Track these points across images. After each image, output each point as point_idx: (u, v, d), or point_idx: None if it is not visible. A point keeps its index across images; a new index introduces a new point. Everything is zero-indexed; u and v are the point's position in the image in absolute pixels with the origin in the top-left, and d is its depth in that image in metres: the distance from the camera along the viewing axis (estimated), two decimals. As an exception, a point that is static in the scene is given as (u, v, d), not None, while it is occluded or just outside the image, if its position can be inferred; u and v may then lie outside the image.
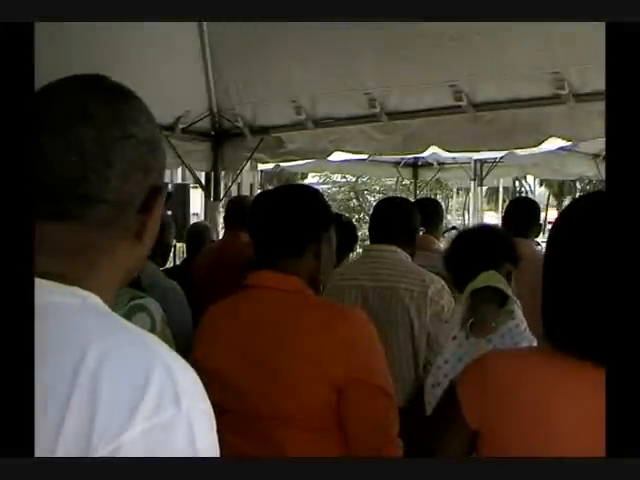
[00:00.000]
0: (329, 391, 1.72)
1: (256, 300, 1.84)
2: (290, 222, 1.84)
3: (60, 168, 0.82)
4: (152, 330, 2.22)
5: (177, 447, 0.73)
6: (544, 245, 1.47)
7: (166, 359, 0.77)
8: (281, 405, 1.74)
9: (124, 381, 0.73)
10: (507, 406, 1.30)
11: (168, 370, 0.76)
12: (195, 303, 3.39)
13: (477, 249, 2.44)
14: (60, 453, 0.70)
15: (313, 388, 1.73)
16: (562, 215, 1.43)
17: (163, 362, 0.76)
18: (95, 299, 0.83)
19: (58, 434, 0.70)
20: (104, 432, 0.71)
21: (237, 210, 4.19)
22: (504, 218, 3.91)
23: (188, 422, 0.74)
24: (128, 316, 2.16)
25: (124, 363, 0.74)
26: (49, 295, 0.79)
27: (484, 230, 2.69)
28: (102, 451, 0.70)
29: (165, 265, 3.72)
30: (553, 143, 4.47)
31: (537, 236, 3.98)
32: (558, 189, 36.36)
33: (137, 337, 0.80)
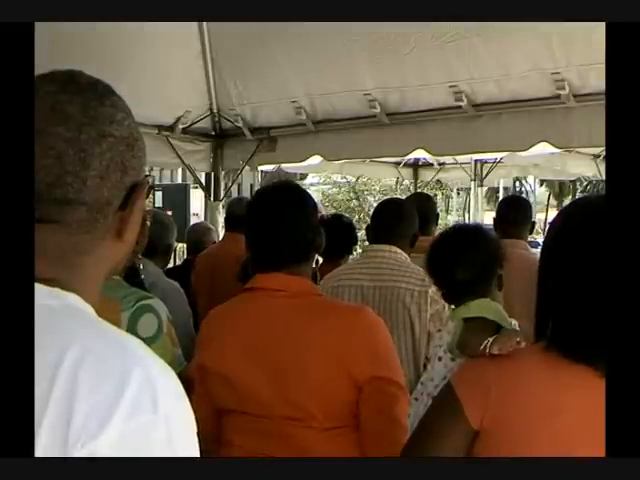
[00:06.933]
0: (351, 389, 1.75)
1: (266, 302, 1.84)
2: (303, 228, 1.85)
3: (37, 171, 0.80)
4: (159, 330, 2.22)
5: (155, 450, 0.72)
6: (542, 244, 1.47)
7: (145, 361, 0.76)
8: (302, 405, 1.75)
9: (101, 384, 0.72)
10: (512, 405, 1.30)
11: (147, 372, 0.75)
12: (193, 306, 3.40)
13: (468, 267, 2.11)
14: (36, 454, 0.69)
15: (336, 387, 1.75)
16: (561, 218, 1.43)
17: (141, 364, 0.75)
18: (75, 300, 0.82)
19: (35, 435, 0.70)
20: (80, 434, 0.70)
21: (236, 214, 4.18)
22: (495, 219, 3.88)
23: (166, 425, 0.73)
24: (136, 317, 2.17)
25: (101, 366, 0.73)
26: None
27: (474, 237, 2.21)
28: (78, 454, 0.69)
29: (166, 265, 3.72)
30: (543, 148, 4.46)
31: (529, 234, 3.95)
32: (558, 189, 36.36)
33: (116, 339, 0.79)
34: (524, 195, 28.51)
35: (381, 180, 19.55)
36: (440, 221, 4.52)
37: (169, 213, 5.29)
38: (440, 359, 2.34)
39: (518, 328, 1.99)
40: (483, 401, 1.31)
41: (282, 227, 1.85)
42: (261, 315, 1.84)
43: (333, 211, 18.47)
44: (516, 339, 1.43)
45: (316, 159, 5.38)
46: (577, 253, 1.31)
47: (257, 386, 1.77)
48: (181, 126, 5.20)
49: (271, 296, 1.83)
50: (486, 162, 8.20)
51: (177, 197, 8.01)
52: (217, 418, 1.84)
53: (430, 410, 1.48)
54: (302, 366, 1.75)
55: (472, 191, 8.97)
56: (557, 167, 7.65)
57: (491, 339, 1.45)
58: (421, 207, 3.51)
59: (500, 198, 19.53)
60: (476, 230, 2.28)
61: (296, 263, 1.84)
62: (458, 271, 2.12)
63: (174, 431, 0.74)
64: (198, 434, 0.79)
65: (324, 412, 1.75)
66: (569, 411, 1.26)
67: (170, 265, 4.33)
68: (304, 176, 18.50)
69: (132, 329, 2.12)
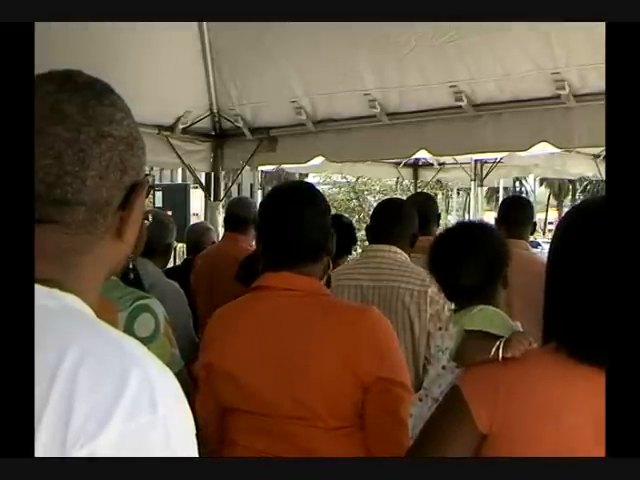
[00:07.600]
0: (357, 390, 1.75)
1: (273, 301, 1.84)
2: (311, 229, 1.86)
3: (37, 172, 0.80)
4: (156, 330, 2.22)
5: (154, 451, 0.72)
6: (543, 244, 1.46)
7: (143, 362, 0.76)
8: (308, 405, 1.75)
9: (101, 384, 0.72)
10: (521, 405, 1.30)
11: (145, 373, 0.75)
12: (193, 306, 3.39)
13: (473, 265, 2.07)
14: (36, 454, 0.69)
15: (342, 387, 1.76)
16: (567, 220, 1.42)
17: (140, 365, 0.75)
18: (73, 301, 0.82)
19: (35, 435, 0.70)
20: (80, 435, 0.70)
21: (236, 214, 4.17)
22: (496, 219, 3.89)
23: (164, 426, 0.73)
24: (132, 316, 2.16)
25: (101, 366, 0.73)
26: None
27: (481, 238, 2.15)
28: (77, 454, 0.69)
29: (166, 265, 3.71)
30: (543, 148, 4.46)
31: (530, 235, 3.96)
32: (558, 189, 36.36)
33: (114, 339, 0.79)
34: (524, 195, 28.51)
35: (381, 180, 19.56)
36: (440, 221, 4.50)
37: (169, 213, 5.29)
38: (444, 367, 2.32)
39: (521, 330, 1.93)
40: (492, 402, 1.30)
41: (291, 226, 1.85)
42: (268, 314, 1.84)
43: (333, 211, 18.45)
44: (528, 341, 1.42)
45: (318, 160, 5.38)
46: (581, 254, 1.30)
47: (262, 385, 1.77)
48: (181, 126, 5.20)
49: (279, 295, 1.84)
50: (486, 162, 8.20)
51: (177, 197, 8.02)
52: (222, 419, 1.85)
53: (436, 413, 1.47)
54: (308, 365, 1.76)
55: (472, 191, 8.97)
56: (557, 167, 7.65)
57: (502, 343, 1.43)
58: (421, 207, 3.51)
59: (500, 198, 19.55)
60: (479, 229, 2.22)
61: (305, 263, 1.85)
62: (462, 275, 2.08)
63: (173, 432, 0.74)
64: (197, 435, 0.79)
65: (330, 412, 1.75)
66: (577, 409, 1.26)
67: (170, 265, 4.33)
68: (304, 176, 18.48)
69: (129, 329, 2.11)
